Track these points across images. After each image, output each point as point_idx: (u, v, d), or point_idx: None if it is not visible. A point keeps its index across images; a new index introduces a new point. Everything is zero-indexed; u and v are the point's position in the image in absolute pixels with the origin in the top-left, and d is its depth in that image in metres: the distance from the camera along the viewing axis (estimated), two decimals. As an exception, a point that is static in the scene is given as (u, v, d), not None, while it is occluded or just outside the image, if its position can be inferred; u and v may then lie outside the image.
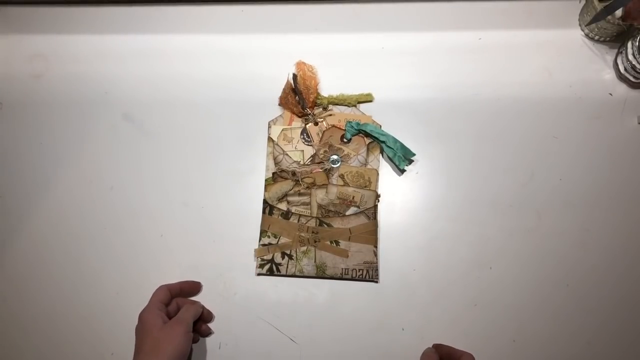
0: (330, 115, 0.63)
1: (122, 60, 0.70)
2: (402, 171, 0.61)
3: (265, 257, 0.58)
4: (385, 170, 0.63)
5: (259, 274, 0.58)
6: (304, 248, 0.58)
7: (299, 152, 0.62)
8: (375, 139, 0.61)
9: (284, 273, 0.58)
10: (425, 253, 0.59)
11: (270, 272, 0.58)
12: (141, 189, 0.64)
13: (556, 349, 0.55)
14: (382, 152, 0.62)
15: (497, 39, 0.68)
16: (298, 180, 0.60)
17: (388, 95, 0.66)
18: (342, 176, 0.60)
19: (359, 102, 0.64)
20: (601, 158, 0.62)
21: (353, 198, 0.59)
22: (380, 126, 0.62)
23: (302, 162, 0.61)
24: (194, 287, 0.58)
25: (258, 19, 0.71)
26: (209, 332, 0.57)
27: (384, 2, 0.71)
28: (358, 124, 0.61)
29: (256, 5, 0.72)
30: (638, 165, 0.62)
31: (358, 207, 0.59)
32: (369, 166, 0.61)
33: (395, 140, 0.60)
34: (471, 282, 0.58)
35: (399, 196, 0.62)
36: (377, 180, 0.60)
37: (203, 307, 0.56)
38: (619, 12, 0.61)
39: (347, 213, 0.59)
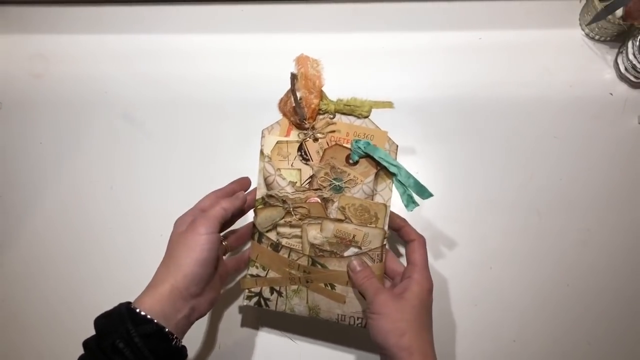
0: (333, 131, 0.49)
1: (122, 60, 0.70)
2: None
3: (253, 290, 0.50)
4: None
5: (245, 305, 0.51)
6: (295, 287, 0.49)
7: (295, 172, 0.50)
8: (384, 169, 0.48)
9: (273, 309, 0.50)
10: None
11: (259, 306, 0.50)
12: (141, 188, 0.64)
13: (556, 349, 0.55)
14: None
15: (497, 38, 0.68)
16: (289, 210, 0.49)
17: (388, 96, 0.65)
18: (342, 209, 0.48)
19: (374, 109, 0.50)
20: (601, 158, 0.62)
21: (354, 237, 0.48)
22: (397, 147, 0.49)
23: (298, 184, 0.49)
24: (244, 185, 0.51)
25: (258, 19, 0.71)
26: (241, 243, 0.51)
27: (384, 2, 0.71)
28: (367, 144, 0.48)
29: (256, 5, 0.72)
30: (638, 165, 0.61)
31: (360, 247, 0.48)
32: (376, 198, 0.48)
33: (409, 175, 0.48)
34: (471, 282, 0.58)
35: (398, 196, 0.61)
36: (385, 216, 0.48)
37: (239, 201, 0.47)
38: (619, 12, 0.61)
39: (346, 254, 0.48)
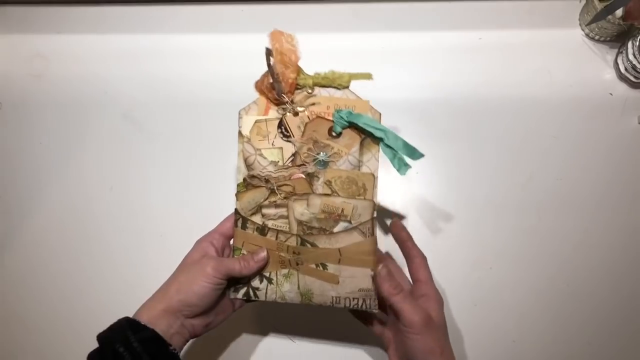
0: (313, 104, 0.48)
1: (122, 60, 0.70)
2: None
3: (240, 280, 0.48)
4: (384, 170, 0.62)
5: (233, 298, 0.48)
6: (285, 271, 0.47)
7: (276, 150, 0.48)
8: (370, 135, 0.47)
9: (263, 299, 0.48)
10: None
11: (247, 298, 0.48)
12: (141, 189, 0.64)
13: (556, 349, 0.55)
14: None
15: (498, 38, 0.68)
16: (273, 189, 0.48)
17: (388, 95, 0.66)
18: (328, 183, 0.47)
19: (353, 80, 0.49)
20: (601, 158, 0.62)
21: (342, 211, 0.47)
22: (380, 115, 0.48)
23: (281, 163, 0.48)
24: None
25: (258, 19, 0.71)
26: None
27: (384, 2, 0.71)
28: (350, 113, 0.47)
29: (256, 5, 0.72)
30: (638, 165, 0.61)
31: (349, 221, 0.47)
32: (363, 169, 0.47)
33: (397, 137, 0.46)
34: (471, 282, 0.58)
35: (398, 196, 0.62)
36: (374, 187, 0.47)
37: (257, 264, 0.46)
38: (619, 12, 0.61)
39: (335, 230, 0.47)
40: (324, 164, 0.48)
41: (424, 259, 0.48)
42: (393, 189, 0.62)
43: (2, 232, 0.63)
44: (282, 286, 0.47)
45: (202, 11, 0.72)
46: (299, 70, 0.47)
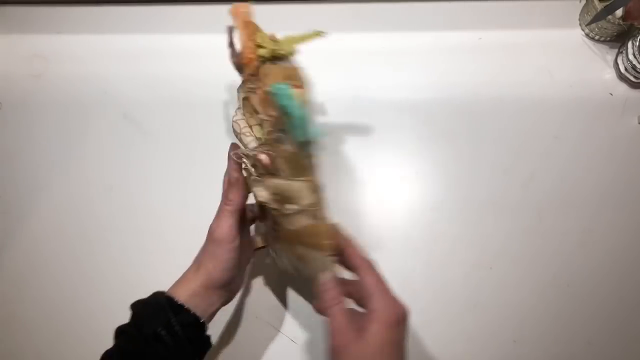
0: (259, 82, 0.44)
1: (122, 60, 0.70)
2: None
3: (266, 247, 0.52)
4: (385, 170, 0.62)
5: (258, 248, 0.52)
6: (278, 246, 0.49)
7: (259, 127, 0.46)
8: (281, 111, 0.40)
9: (280, 265, 0.51)
10: (425, 254, 0.59)
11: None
12: (141, 189, 0.64)
13: (556, 349, 0.55)
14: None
15: (498, 39, 0.68)
16: (255, 166, 0.44)
17: (388, 95, 0.66)
18: (277, 162, 0.42)
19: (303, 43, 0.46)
20: (601, 158, 0.62)
21: (288, 193, 0.42)
22: (308, 88, 0.44)
23: (263, 140, 0.44)
24: None
25: (258, 19, 0.71)
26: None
27: (384, 2, 0.71)
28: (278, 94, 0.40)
29: (256, 5, 0.72)
30: (638, 165, 0.61)
31: (296, 204, 0.42)
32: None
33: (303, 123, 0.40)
34: (471, 283, 0.58)
35: (398, 196, 0.61)
36: (313, 166, 0.42)
37: (240, 182, 0.45)
38: (619, 12, 0.61)
39: (287, 212, 0.42)
40: (279, 141, 0.41)
41: (370, 265, 0.41)
42: (393, 189, 0.62)
43: (2, 232, 0.63)
44: (282, 258, 0.49)
45: (202, 11, 0.72)
46: (255, 44, 0.44)
